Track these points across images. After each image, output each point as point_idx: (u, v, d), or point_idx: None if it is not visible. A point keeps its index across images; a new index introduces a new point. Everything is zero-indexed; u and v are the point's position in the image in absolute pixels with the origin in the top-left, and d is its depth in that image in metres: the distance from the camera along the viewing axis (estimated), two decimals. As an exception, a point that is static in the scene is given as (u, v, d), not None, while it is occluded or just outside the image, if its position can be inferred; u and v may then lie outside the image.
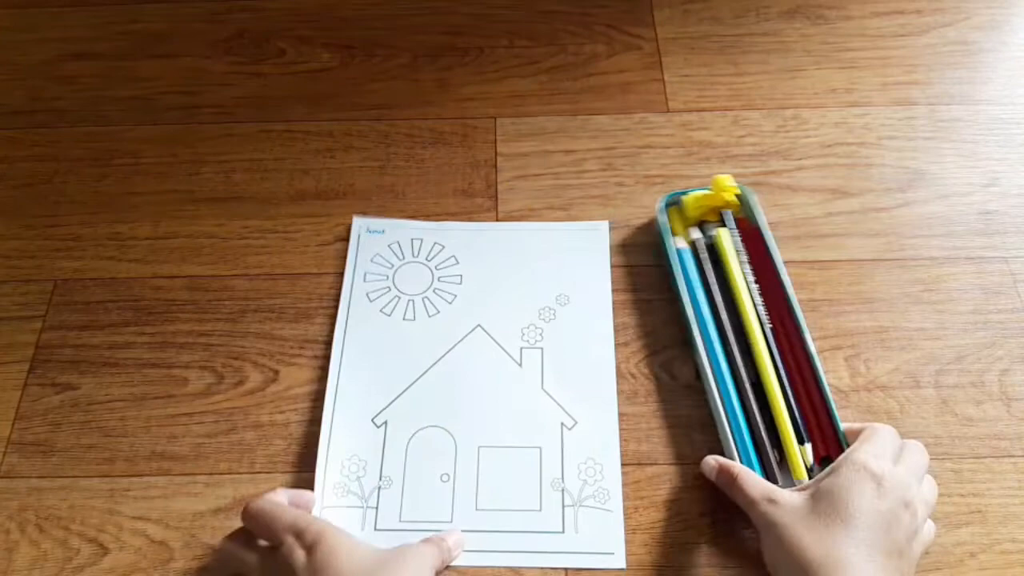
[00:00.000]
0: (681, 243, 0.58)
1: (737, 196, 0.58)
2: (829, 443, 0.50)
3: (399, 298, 0.57)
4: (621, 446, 0.51)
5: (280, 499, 0.46)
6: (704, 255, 0.57)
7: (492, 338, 0.55)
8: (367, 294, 0.57)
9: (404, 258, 0.59)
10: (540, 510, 0.49)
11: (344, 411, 0.52)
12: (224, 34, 0.73)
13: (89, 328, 0.57)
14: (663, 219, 0.59)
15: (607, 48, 0.71)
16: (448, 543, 0.46)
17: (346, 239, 0.60)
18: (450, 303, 0.57)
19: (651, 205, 0.62)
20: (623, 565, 0.47)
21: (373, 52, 0.72)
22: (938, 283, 0.58)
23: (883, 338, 0.55)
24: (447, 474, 0.50)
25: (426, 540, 0.46)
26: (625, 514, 0.49)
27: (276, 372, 0.55)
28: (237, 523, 0.49)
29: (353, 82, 0.70)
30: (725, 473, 0.47)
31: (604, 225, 0.60)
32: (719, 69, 0.70)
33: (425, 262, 0.59)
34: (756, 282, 0.56)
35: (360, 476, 0.50)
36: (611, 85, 0.69)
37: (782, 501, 0.44)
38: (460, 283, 0.58)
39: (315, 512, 0.48)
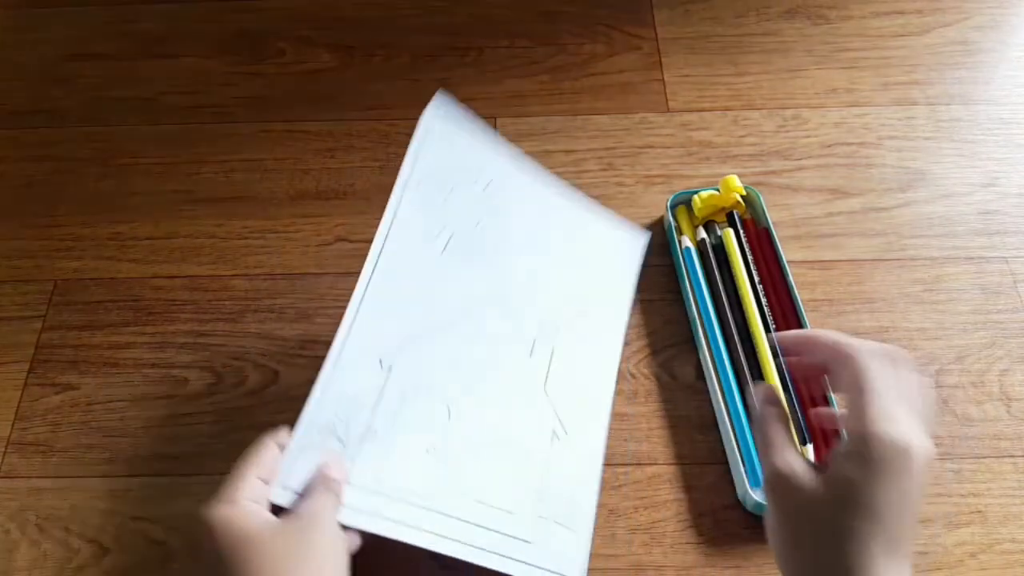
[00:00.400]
0: (687, 242, 0.58)
1: (744, 197, 0.58)
2: (831, 444, 0.50)
3: (445, 224, 0.51)
4: (604, 467, 0.50)
5: (275, 442, 0.42)
6: (710, 255, 0.57)
7: (512, 318, 0.52)
8: (420, 201, 0.50)
9: (465, 179, 0.52)
10: (513, 513, 0.46)
11: (362, 334, 0.46)
12: (224, 34, 0.73)
13: (89, 328, 0.57)
14: (671, 219, 0.59)
15: (607, 48, 0.71)
16: (338, 488, 0.41)
17: (346, 239, 0.60)
18: (486, 255, 0.52)
19: (651, 205, 0.62)
20: None
21: (373, 52, 0.72)
22: (938, 283, 0.58)
23: (883, 338, 0.55)
24: (435, 447, 0.46)
25: (317, 491, 0.41)
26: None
27: (276, 372, 0.55)
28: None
29: (353, 82, 0.70)
30: (766, 414, 0.40)
31: (644, 238, 0.59)
32: (719, 69, 0.70)
33: (480, 197, 0.53)
34: (761, 283, 0.56)
35: (349, 419, 0.45)
36: (611, 85, 0.69)
37: (799, 485, 0.37)
38: (500, 237, 0.53)
39: (292, 448, 0.42)
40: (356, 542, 0.44)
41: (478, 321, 0.51)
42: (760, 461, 0.40)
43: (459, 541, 0.44)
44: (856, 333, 0.55)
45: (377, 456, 0.45)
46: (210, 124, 0.67)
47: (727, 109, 0.67)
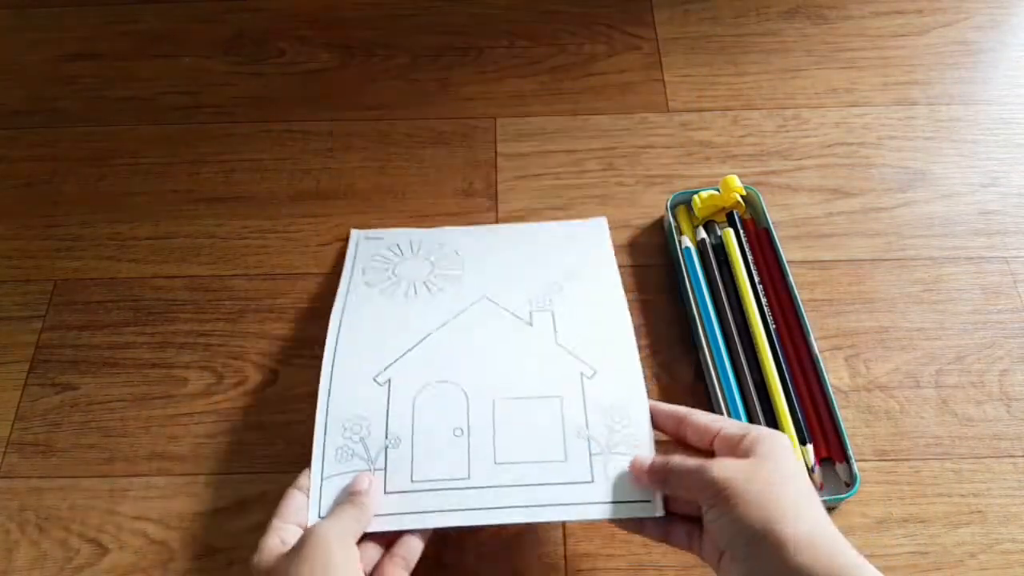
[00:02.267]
0: (687, 242, 0.58)
1: (744, 197, 0.58)
2: (831, 444, 0.50)
3: (400, 282, 0.55)
4: (648, 390, 0.48)
5: (297, 488, 0.44)
6: (710, 255, 0.57)
7: (499, 305, 0.53)
8: (366, 282, 0.55)
9: (404, 255, 0.57)
10: (565, 460, 0.45)
11: (342, 370, 0.49)
12: (224, 34, 0.73)
13: (89, 328, 0.57)
14: (671, 219, 0.59)
15: (607, 48, 0.71)
16: (363, 499, 0.43)
17: (346, 240, 0.60)
18: (453, 282, 0.55)
19: (651, 205, 0.62)
20: (661, 512, 0.43)
21: (373, 52, 0.72)
22: (938, 283, 0.58)
23: (883, 338, 0.55)
24: (460, 428, 0.46)
25: (336, 509, 0.43)
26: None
27: (276, 372, 0.55)
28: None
29: (353, 82, 0.70)
30: (657, 469, 0.42)
31: (602, 220, 0.59)
32: (719, 69, 0.70)
33: (425, 257, 0.57)
34: (761, 283, 0.56)
35: (364, 437, 0.46)
36: (611, 85, 0.69)
37: (729, 471, 0.39)
38: (462, 270, 0.55)
39: (314, 485, 0.45)
40: (416, 550, 0.43)
41: (466, 321, 0.52)
42: (687, 492, 0.42)
43: (515, 506, 0.44)
44: (856, 333, 0.55)
45: (405, 458, 0.45)
46: (210, 124, 0.67)
47: (727, 109, 0.67)
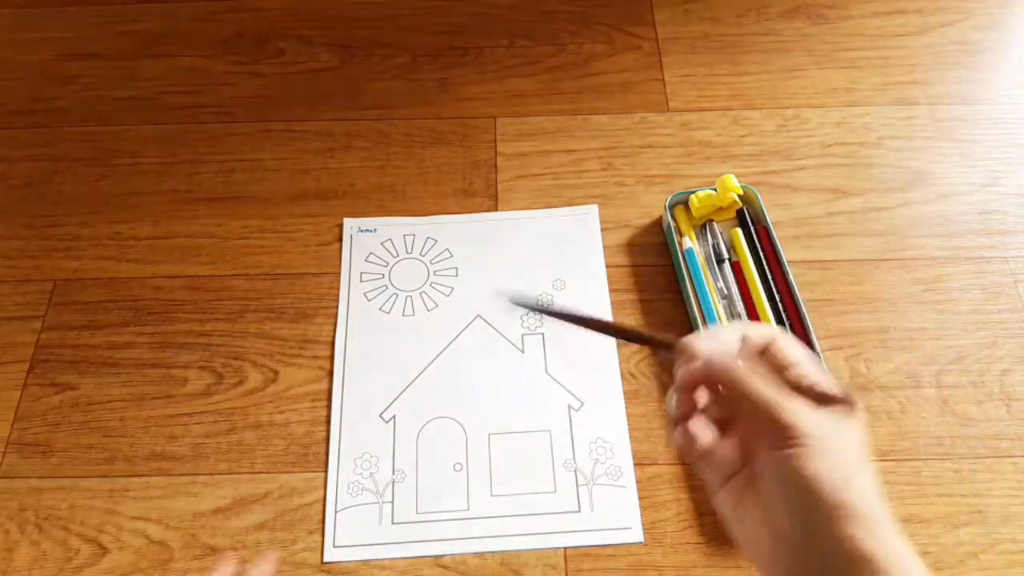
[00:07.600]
0: (688, 243, 0.58)
1: (742, 196, 0.58)
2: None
3: (396, 295, 0.57)
4: (629, 423, 0.52)
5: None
6: (711, 254, 0.57)
7: (492, 326, 0.56)
8: (365, 294, 0.57)
9: (398, 255, 0.59)
10: (555, 491, 0.49)
11: (351, 410, 0.53)
12: (224, 34, 0.73)
13: (89, 328, 0.57)
14: (670, 219, 0.59)
15: (607, 48, 0.71)
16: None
17: (342, 240, 0.60)
18: (448, 296, 0.57)
19: (651, 205, 0.62)
20: (641, 539, 0.48)
21: (373, 52, 0.72)
22: (938, 283, 0.58)
23: (883, 338, 0.55)
24: (459, 463, 0.51)
25: None
26: (639, 490, 0.50)
27: (276, 372, 0.55)
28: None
29: (353, 82, 0.70)
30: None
31: (594, 209, 0.61)
32: (719, 69, 0.70)
33: (419, 257, 0.59)
34: (774, 279, 0.56)
35: (373, 472, 0.50)
36: (611, 85, 0.69)
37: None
38: (456, 275, 0.58)
39: (328, 516, 0.49)
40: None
41: (461, 348, 0.55)
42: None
43: (511, 535, 0.48)
44: (856, 333, 0.55)
45: (410, 491, 0.50)
46: (210, 124, 0.67)
47: (727, 109, 0.67)
